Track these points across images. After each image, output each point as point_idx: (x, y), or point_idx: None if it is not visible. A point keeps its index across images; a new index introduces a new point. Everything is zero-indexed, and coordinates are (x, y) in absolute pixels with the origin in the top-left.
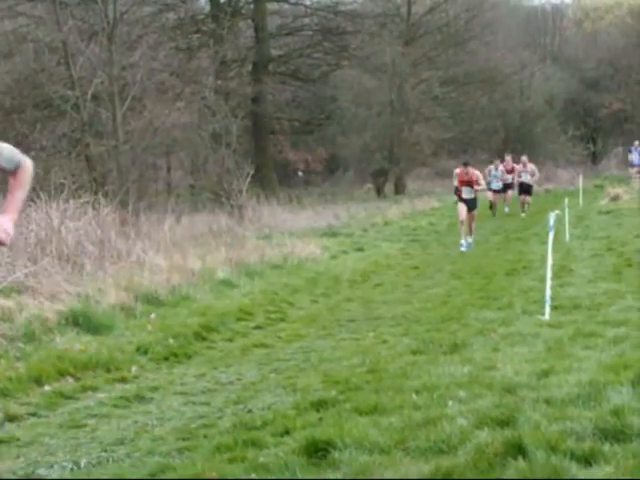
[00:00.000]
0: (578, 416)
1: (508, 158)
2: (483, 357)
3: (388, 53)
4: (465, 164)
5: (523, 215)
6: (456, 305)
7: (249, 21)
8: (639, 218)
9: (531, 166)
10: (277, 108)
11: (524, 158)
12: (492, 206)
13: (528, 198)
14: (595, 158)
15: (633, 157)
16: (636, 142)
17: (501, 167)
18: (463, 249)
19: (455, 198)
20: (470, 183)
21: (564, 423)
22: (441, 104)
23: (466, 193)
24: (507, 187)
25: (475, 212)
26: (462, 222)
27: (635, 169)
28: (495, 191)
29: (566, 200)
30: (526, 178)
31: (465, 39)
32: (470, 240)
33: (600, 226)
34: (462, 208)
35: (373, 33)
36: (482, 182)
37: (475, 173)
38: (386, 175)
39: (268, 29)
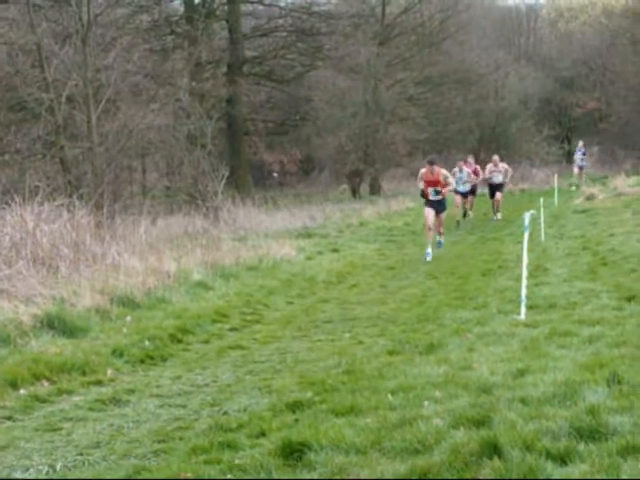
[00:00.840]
0: (554, 415)
1: (470, 160)
2: (459, 357)
3: (362, 54)
4: (430, 162)
5: (496, 218)
6: (432, 305)
7: (223, 22)
8: (614, 217)
9: (503, 165)
10: (252, 109)
11: (495, 157)
12: (464, 213)
13: (499, 195)
14: (570, 157)
15: (577, 157)
16: (580, 143)
17: (466, 168)
18: (429, 258)
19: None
20: (437, 184)
21: (540, 422)
22: (416, 104)
23: (433, 195)
24: (470, 191)
25: (444, 215)
26: (429, 228)
27: (576, 170)
28: (463, 194)
29: (541, 200)
30: (498, 179)
31: (440, 39)
32: (440, 239)
33: (575, 225)
34: (429, 212)
35: (347, 34)
36: (451, 181)
37: (442, 172)
38: (361, 176)
39: (242, 30)
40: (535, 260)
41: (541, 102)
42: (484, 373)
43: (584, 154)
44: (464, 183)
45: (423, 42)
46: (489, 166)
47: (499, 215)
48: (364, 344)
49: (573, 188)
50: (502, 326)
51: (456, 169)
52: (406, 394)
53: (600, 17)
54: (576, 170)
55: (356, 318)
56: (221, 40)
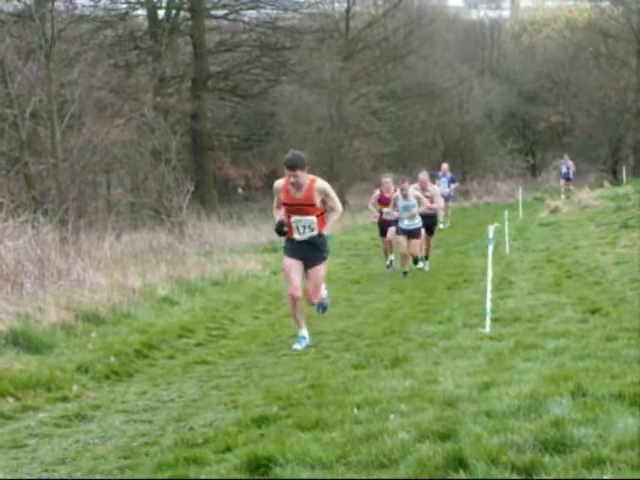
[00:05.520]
0: (519, 428)
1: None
2: (424, 371)
3: (327, 68)
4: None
5: (419, 266)
6: (397, 319)
7: (187, 37)
8: (578, 230)
9: (433, 188)
10: (217, 124)
11: (424, 178)
12: (386, 252)
13: (432, 239)
14: (534, 171)
15: (562, 169)
16: (565, 155)
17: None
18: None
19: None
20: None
21: (505, 435)
22: (380, 118)
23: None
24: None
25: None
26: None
27: (562, 181)
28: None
29: (506, 213)
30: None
31: (404, 53)
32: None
33: (540, 238)
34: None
35: (312, 48)
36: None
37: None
38: None
39: (207, 45)
40: (500, 273)
41: (505, 116)
42: (449, 386)
43: (568, 167)
44: (409, 217)
45: (387, 56)
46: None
47: (421, 264)
48: (330, 358)
49: (563, 197)
50: (467, 339)
51: (397, 194)
52: (372, 408)
53: (563, 31)
54: (562, 181)
55: (322, 332)
56: (185, 55)
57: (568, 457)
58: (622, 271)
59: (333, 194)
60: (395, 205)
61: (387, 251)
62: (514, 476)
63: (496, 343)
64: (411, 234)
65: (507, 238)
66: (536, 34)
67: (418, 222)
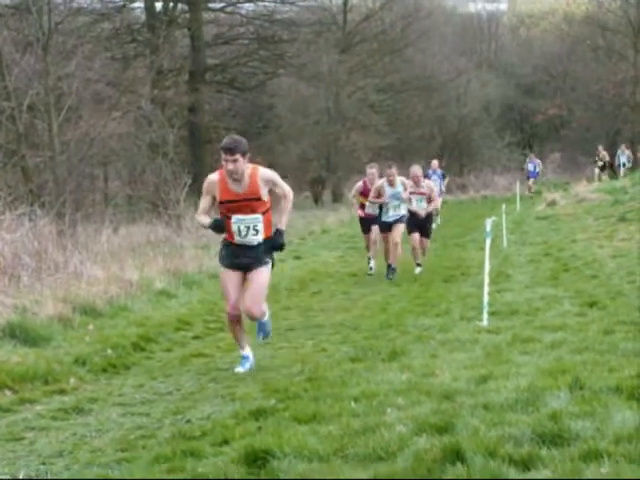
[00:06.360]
0: (516, 421)
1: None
2: (421, 364)
3: (324, 61)
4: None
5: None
6: (394, 312)
7: (185, 30)
8: (576, 223)
9: (429, 184)
10: (214, 117)
11: (418, 172)
12: (368, 249)
13: (426, 241)
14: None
15: (529, 167)
16: (532, 154)
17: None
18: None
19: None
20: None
21: (502, 428)
22: (378, 111)
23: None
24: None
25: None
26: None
27: (531, 180)
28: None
29: (503, 206)
30: (419, 205)
31: (401, 46)
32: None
33: (537, 232)
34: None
35: (309, 41)
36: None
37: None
38: (324, 183)
39: (204, 38)
40: (497, 267)
41: (503, 109)
42: (447, 380)
43: (534, 165)
44: (395, 206)
45: (385, 49)
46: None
47: (417, 270)
48: (327, 351)
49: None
50: (465, 333)
51: (382, 181)
52: (369, 401)
53: (561, 24)
54: (531, 180)
55: (319, 325)
56: (183, 48)
57: (565, 450)
58: (619, 264)
59: (281, 181)
60: (379, 194)
61: (369, 249)
62: (511, 469)
63: (493, 336)
64: (393, 223)
65: (504, 231)
66: (533, 27)
67: (403, 211)
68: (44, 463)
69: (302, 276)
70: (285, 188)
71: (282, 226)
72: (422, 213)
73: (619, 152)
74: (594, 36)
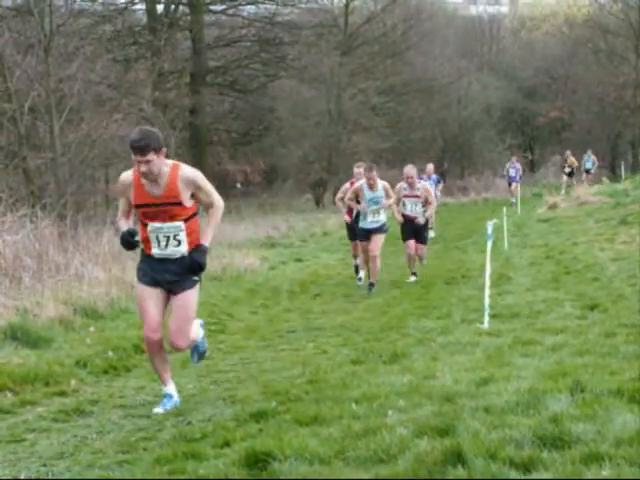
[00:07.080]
0: (517, 424)
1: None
2: (422, 366)
3: (326, 63)
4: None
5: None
6: (395, 315)
7: (186, 32)
8: (577, 226)
9: (424, 185)
10: (215, 119)
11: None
12: (355, 257)
13: (422, 248)
14: (533, 166)
15: (510, 172)
16: (513, 157)
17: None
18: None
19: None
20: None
21: (503, 431)
22: (379, 114)
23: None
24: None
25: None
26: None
27: (514, 185)
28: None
29: (504, 209)
30: (414, 209)
31: (402, 49)
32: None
33: (538, 234)
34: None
35: (310, 43)
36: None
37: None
38: (325, 185)
39: (205, 40)
40: (498, 269)
41: (504, 111)
42: (448, 382)
43: (515, 170)
44: (374, 211)
45: (386, 52)
46: (398, 186)
47: (411, 279)
48: (328, 354)
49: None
50: (466, 335)
51: (361, 183)
52: (370, 403)
53: (562, 27)
54: (513, 185)
55: (320, 328)
56: (184, 50)
57: (566, 453)
58: (620, 267)
59: (208, 185)
60: (357, 196)
61: (357, 257)
62: (512, 471)
63: (494, 339)
64: (372, 232)
65: (506, 234)
66: (535, 30)
67: (382, 217)
68: (45, 465)
69: (303, 278)
70: (213, 196)
71: (205, 242)
72: (421, 220)
73: (585, 157)
74: (595, 39)
